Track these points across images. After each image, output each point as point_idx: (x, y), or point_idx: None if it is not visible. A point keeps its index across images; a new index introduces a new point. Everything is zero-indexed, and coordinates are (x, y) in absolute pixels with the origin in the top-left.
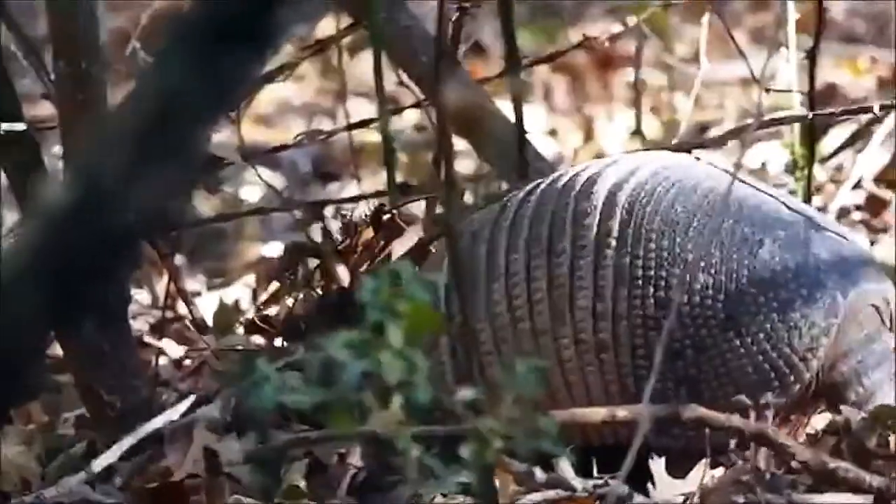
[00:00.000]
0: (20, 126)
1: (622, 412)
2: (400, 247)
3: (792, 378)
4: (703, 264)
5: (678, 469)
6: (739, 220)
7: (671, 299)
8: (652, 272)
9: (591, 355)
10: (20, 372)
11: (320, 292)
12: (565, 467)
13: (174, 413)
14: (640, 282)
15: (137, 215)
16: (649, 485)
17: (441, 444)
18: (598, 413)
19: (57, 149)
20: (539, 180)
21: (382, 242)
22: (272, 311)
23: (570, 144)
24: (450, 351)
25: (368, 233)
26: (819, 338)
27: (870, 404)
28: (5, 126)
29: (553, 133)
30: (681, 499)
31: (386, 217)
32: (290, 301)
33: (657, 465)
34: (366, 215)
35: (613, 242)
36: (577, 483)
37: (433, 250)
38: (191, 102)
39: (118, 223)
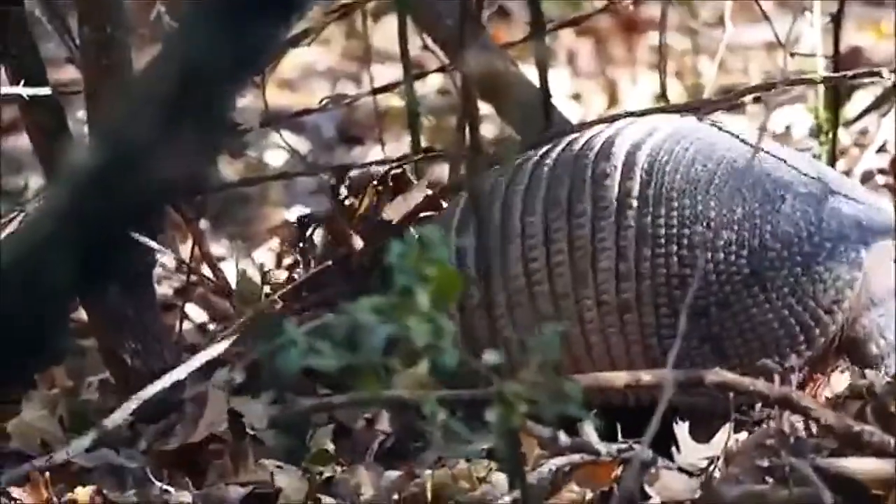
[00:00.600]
0: (45, 90)
1: (646, 377)
2: (400, 207)
3: (817, 332)
4: (725, 221)
5: (702, 432)
6: (760, 177)
7: (696, 257)
8: (675, 230)
9: (613, 316)
10: (45, 336)
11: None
12: (589, 431)
13: (187, 368)
14: (662, 241)
15: (162, 180)
16: (673, 449)
17: (466, 409)
18: (621, 377)
19: (81, 113)
20: (552, 144)
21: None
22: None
23: (594, 108)
24: (457, 313)
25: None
26: (844, 291)
27: (890, 358)
28: (30, 90)
29: (577, 97)
30: (705, 462)
31: (395, 173)
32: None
33: (681, 429)
34: (372, 177)
35: (635, 202)
36: (601, 447)
37: (445, 208)
38: (216, 67)
39: (143, 188)
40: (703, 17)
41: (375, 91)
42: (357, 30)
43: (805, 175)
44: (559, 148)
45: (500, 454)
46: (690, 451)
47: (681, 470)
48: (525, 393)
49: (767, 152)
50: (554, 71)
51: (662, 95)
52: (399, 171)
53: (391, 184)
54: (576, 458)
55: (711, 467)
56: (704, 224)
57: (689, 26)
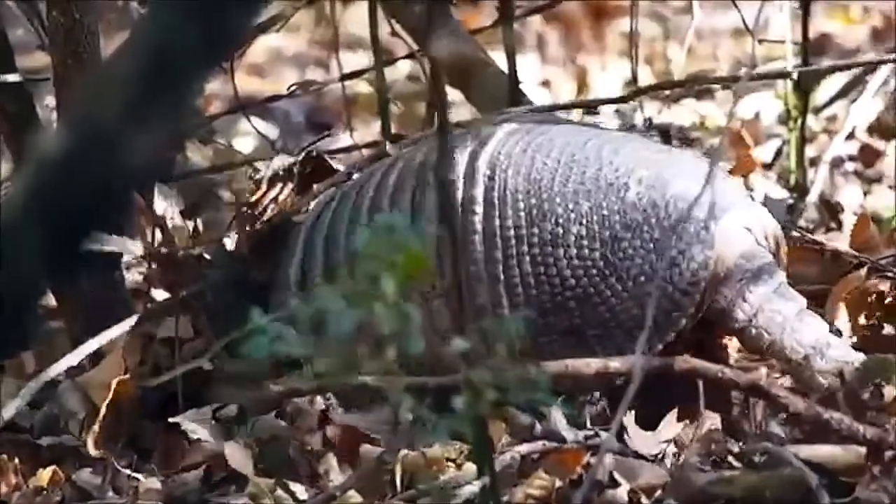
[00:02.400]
0: (14, 77)
1: (615, 363)
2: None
3: (676, 314)
4: (573, 217)
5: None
6: (601, 166)
7: (547, 255)
8: (524, 231)
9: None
10: (15, 321)
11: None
12: (557, 418)
13: (116, 331)
14: (512, 241)
15: (130, 166)
16: (625, 436)
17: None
18: (591, 364)
19: (50, 99)
20: (391, 157)
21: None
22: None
23: (563, 95)
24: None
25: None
26: (698, 272)
27: (759, 318)
28: None
29: (546, 84)
30: (656, 450)
31: (314, 159)
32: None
33: (629, 418)
34: (281, 170)
35: (479, 209)
36: (568, 434)
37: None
38: (186, 53)
39: (111, 174)
40: (672, 3)
41: (344, 77)
42: (326, 16)
43: (645, 157)
44: (400, 162)
45: (468, 441)
46: (640, 439)
47: (636, 456)
48: (493, 380)
49: (603, 133)
50: (523, 57)
51: (633, 81)
52: (318, 160)
53: (308, 172)
54: (539, 445)
55: (672, 454)
56: (553, 222)
57: (658, 12)
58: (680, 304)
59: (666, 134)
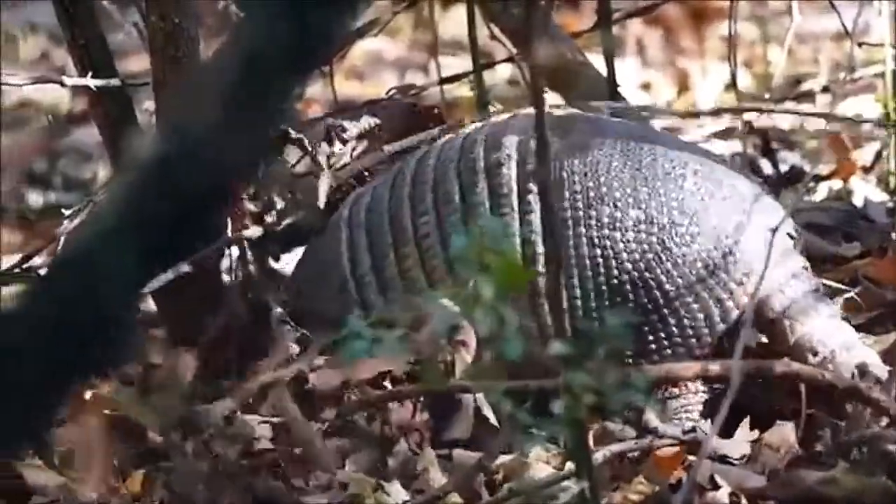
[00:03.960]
0: (114, 81)
1: (714, 367)
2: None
3: (731, 304)
4: (631, 201)
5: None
6: (656, 157)
7: (605, 237)
8: (581, 213)
9: (525, 303)
10: (113, 326)
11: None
12: (651, 416)
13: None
14: (570, 223)
15: (228, 169)
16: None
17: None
18: (689, 368)
19: (150, 104)
20: (427, 147)
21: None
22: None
23: (663, 98)
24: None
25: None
26: (752, 262)
27: (793, 309)
28: (98, 81)
29: (647, 87)
30: (740, 452)
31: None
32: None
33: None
34: (363, 130)
35: (535, 188)
36: (665, 429)
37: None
38: (283, 57)
39: (209, 178)
40: (771, 6)
41: (443, 81)
42: (425, 19)
43: (694, 153)
44: (436, 150)
45: (567, 444)
46: (725, 443)
47: (722, 460)
48: (592, 383)
49: (648, 129)
50: (622, 61)
51: (732, 85)
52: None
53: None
54: (631, 443)
55: (778, 458)
56: (611, 204)
57: (757, 15)
58: (734, 293)
59: (765, 137)
